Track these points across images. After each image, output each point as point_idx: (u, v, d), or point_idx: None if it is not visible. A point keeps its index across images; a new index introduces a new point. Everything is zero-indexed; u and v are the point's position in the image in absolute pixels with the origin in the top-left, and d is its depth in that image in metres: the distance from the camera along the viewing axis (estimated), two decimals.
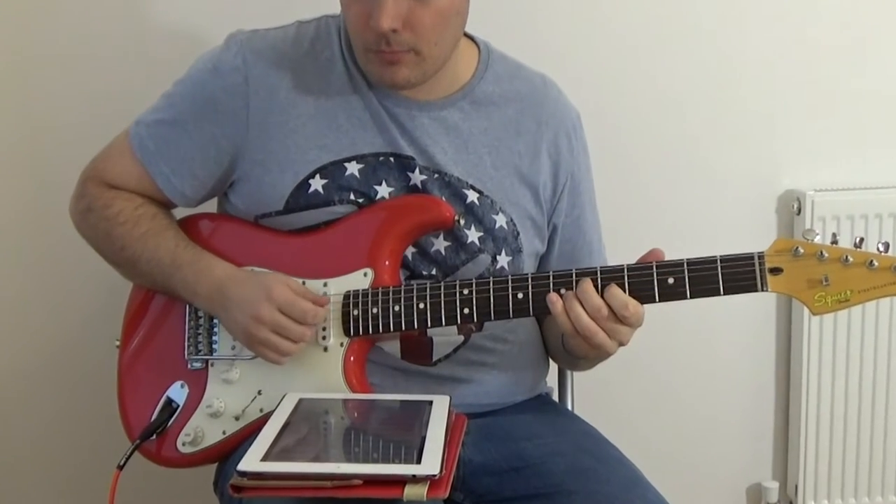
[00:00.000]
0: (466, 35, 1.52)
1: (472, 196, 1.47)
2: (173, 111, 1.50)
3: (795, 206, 2.15)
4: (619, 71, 2.08)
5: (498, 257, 1.48)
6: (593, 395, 1.78)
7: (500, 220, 1.48)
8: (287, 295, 1.36)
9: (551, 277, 1.34)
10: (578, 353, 1.42)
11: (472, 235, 1.47)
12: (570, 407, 1.72)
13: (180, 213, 1.57)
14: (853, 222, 2.14)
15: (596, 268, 1.33)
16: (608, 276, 1.32)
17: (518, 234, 1.50)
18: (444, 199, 1.46)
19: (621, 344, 1.34)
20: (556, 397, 1.71)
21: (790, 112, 2.17)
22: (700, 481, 2.26)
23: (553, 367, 1.69)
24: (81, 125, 1.89)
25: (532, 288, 1.35)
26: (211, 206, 1.59)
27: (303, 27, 1.51)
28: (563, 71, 1.63)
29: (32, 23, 1.91)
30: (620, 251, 1.39)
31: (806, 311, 2.12)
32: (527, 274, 1.36)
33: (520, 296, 1.35)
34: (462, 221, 1.46)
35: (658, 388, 2.22)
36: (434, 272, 1.47)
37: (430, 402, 1.33)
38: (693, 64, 2.11)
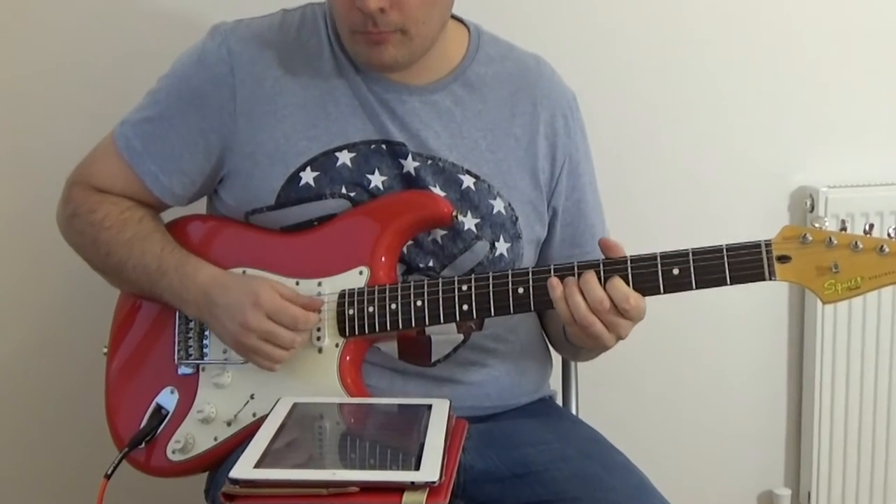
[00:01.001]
0: (456, 18, 1.53)
1: (467, 181, 1.48)
2: (159, 107, 1.50)
3: (808, 202, 2.15)
4: (627, 65, 2.08)
5: (496, 244, 1.48)
6: (598, 399, 1.78)
7: (498, 205, 1.48)
8: (275, 301, 1.36)
9: (552, 271, 1.34)
10: (577, 343, 1.42)
11: (469, 222, 1.47)
12: (574, 411, 1.71)
13: (171, 215, 1.57)
14: (868, 220, 2.13)
15: (599, 260, 1.33)
16: (611, 268, 1.32)
17: (517, 219, 1.50)
18: (438, 185, 1.46)
19: (620, 338, 1.34)
20: (559, 401, 1.70)
21: (803, 106, 2.17)
22: (709, 488, 2.26)
23: (556, 370, 1.69)
24: (68, 128, 1.89)
25: (533, 282, 1.35)
26: (200, 206, 1.59)
27: (288, 15, 1.52)
28: (569, 66, 1.63)
29: (16, 22, 1.90)
30: (627, 250, 1.38)
31: (819, 309, 2.14)
32: (527, 268, 1.36)
33: (520, 290, 1.35)
34: (459, 217, 1.46)
35: (665, 392, 2.21)
36: (431, 263, 1.47)
37: (430, 407, 1.33)
38: (703, 58, 2.11)
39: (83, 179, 1.54)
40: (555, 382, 1.68)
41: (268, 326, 1.36)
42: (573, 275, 1.33)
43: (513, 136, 1.51)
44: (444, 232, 1.46)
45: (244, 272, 1.45)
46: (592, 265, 1.33)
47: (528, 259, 1.53)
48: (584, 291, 1.31)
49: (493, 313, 1.36)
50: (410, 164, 1.46)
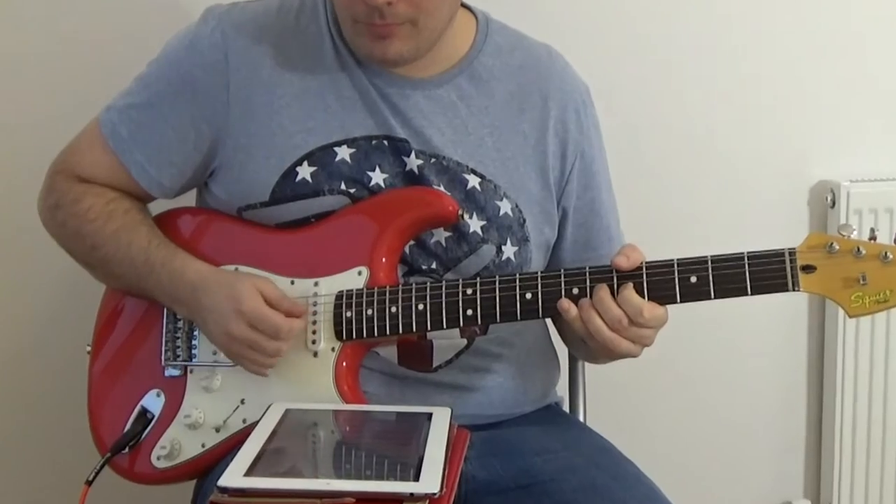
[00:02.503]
0: (463, 5, 1.51)
1: (473, 181, 1.47)
2: (147, 93, 1.49)
3: (829, 198, 2.15)
4: (639, 56, 2.08)
5: (503, 247, 1.48)
6: (607, 406, 1.78)
7: (505, 207, 1.48)
8: (258, 308, 1.36)
9: (562, 276, 1.34)
10: (599, 355, 1.43)
11: (474, 225, 1.46)
12: (581, 418, 1.71)
13: (160, 207, 1.56)
14: (892, 216, 2.14)
15: (611, 266, 1.32)
16: (625, 276, 1.31)
17: (524, 221, 1.49)
18: (442, 185, 1.45)
19: (645, 346, 1.35)
20: (566, 408, 1.70)
21: (822, 96, 2.17)
22: (725, 499, 2.26)
23: (563, 375, 1.69)
24: (49, 114, 1.88)
25: (542, 287, 1.34)
26: (189, 198, 1.58)
27: None
28: (575, 59, 1.62)
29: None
30: (642, 247, 1.38)
31: (840, 312, 2.12)
32: (536, 272, 1.36)
33: (528, 296, 1.35)
34: (465, 216, 1.45)
35: (678, 399, 2.21)
36: (434, 265, 1.46)
37: (430, 415, 1.33)
38: (721, 49, 2.11)
39: (67, 168, 1.54)
40: (561, 388, 1.68)
41: (250, 336, 1.36)
42: (584, 280, 1.33)
43: (521, 132, 1.51)
44: (448, 234, 1.46)
45: (237, 269, 1.45)
46: (604, 272, 1.32)
47: (537, 264, 1.52)
48: (599, 311, 1.31)
49: (498, 319, 1.36)
50: (413, 162, 1.45)
